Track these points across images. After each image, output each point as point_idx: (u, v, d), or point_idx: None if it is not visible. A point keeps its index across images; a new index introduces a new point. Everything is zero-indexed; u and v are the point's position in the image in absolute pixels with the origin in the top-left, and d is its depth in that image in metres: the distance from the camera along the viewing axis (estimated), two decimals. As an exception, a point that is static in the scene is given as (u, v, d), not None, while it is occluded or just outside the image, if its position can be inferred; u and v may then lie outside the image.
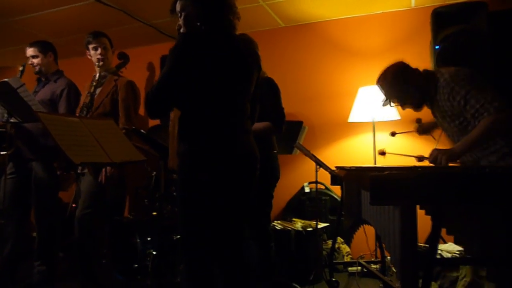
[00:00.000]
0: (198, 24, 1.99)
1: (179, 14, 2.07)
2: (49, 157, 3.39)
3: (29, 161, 3.42)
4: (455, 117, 2.35)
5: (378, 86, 2.62)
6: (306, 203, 4.21)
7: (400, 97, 2.53)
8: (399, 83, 2.48)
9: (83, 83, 3.49)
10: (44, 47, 3.58)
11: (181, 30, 2.08)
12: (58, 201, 3.84)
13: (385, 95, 2.60)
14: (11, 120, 3.14)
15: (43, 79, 3.61)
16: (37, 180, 3.40)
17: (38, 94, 3.49)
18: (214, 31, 1.97)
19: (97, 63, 3.31)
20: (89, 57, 3.38)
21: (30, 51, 3.54)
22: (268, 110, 2.68)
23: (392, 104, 2.60)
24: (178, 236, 3.37)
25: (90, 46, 3.33)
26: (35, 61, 3.54)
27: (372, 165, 3.70)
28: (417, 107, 2.56)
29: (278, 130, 2.77)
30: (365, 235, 3.46)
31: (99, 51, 3.30)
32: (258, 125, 2.57)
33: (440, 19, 3.27)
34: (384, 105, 2.62)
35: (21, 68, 3.46)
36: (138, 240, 3.50)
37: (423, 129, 2.89)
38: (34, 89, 3.58)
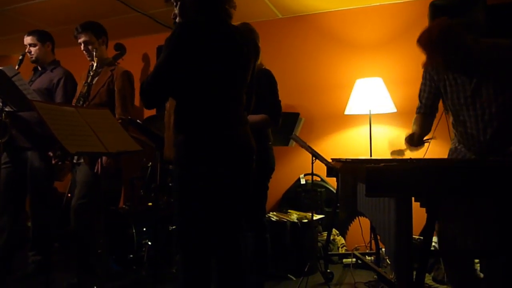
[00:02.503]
0: (194, 13, 1.98)
1: (174, 4, 2.06)
2: (45, 146, 3.38)
3: (25, 150, 3.41)
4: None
5: (420, 44, 2.30)
6: (301, 195, 4.22)
7: (445, 57, 2.23)
8: (447, 41, 2.20)
9: (80, 72, 3.48)
10: (43, 36, 3.56)
11: (177, 20, 2.06)
12: (53, 191, 3.83)
13: (428, 54, 2.29)
14: (6, 109, 3.12)
15: (40, 69, 3.59)
16: (33, 170, 3.39)
17: (34, 83, 3.47)
18: (210, 20, 1.95)
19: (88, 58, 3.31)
20: None
21: (28, 40, 3.52)
22: (264, 103, 2.66)
23: (432, 71, 2.37)
24: (174, 227, 3.37)
25: (78, 40, 3.32)
26: (33, 49, 3.52)
27: (368, 157, 3.71)
28: (457, 69, 2.31)
29: (275, 124, 2.76)
30: (360, 227, 3.47)
31: (82, 47, 3.29)
32: (254, 117, 2.56)
33: (437, 12, 3.26)
34: (424, 66, 2.35)
35: (20, 57, 3.47)
36: (133, 231, 3.51)
37: (415, 142, 2.58)
38: (30, 78, 3.56)
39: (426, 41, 2.23)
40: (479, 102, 2.26)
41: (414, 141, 2.52)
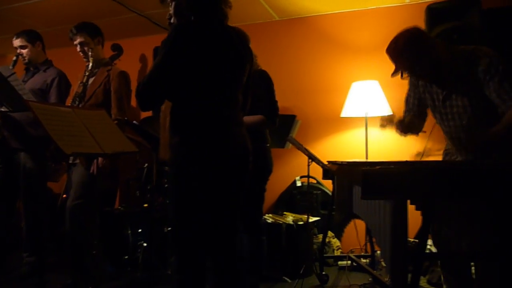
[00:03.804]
0: (189, 13, 1.98)
1: (170, 4, 2.06)
2: (37, 147, 3.36)
3: (17, 151, 3.40)
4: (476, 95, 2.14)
5: (387, 53, 2.28)
6: (297, 197, 4.22)
7: (411, 66, 2.21)
8: (412, 51, 2.16)
9: (76, 73, 3.46)
10: (32, 37, 3.52)
11: (172, 20, 2.06)
12: (47, 192, 3.81)
13: (395, 63, 2.27)
14: (2, 109, 3.11)
15: (32, 69, 3.57)
16: (25, 171, 3.38)
17: (27, 84, 3.43)
18: (206, 21, 1.95)
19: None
20: None
21: (17, 42, 3.48)
22: (261, 103, 2.66)
23: (403, 75, 2.28)
24: (169, 228, 3.37)
25: (74, 42, 3.30)
26: (24, 51, 3.48)
27: (364, 160, 3.72)
28: (426, 80, 2.30)
29: (272, 124, 2.76)
30: (356, 229, 3.47)
31: (78, 48, 3.26)
32: (251, 118, 2.56)
33: (433, 16, 3.28)
34: (393, 75, 2.28)
35: (14, 58, 3.42)
36: (129, 232, 3.50)
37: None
38: (23, 78, 3.51)
39: (392, 48, 2.23)
40: (450, 113, 2.26)
41: (404, 126, 2.47)
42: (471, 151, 2.22)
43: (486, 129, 2.12)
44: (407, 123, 2.49)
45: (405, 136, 2.53)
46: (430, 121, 2.55)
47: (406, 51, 2.17)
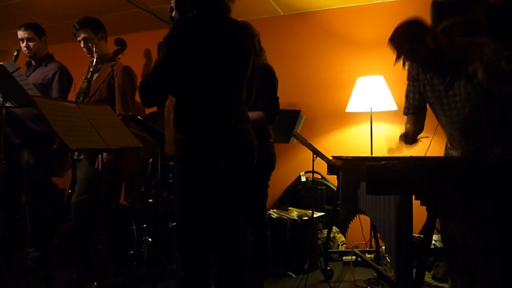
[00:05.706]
0: (190, 7, 1.96)
1: None
2: (40, 144, 3.37)
3: (19, 147, 3.41)
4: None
5: (389, 42, 2.28)
6: (302, 192, 4.22)
7: (411, 50, 2.22)
8: (411, 33, 2.19)
9: (80, 68, 3.46)
10: (40, 30, 3.52)
11: (173, 13, 2.05)
12: (51, 187, 3.82)
13: (395, 48, 2.27)
14: (6, 105, 3.11)
15: (34, 63, 3.56)
16: (29, 167, 3.39)
17: (29, 79, 3.43)
18: (208, 15, 1.93)
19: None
20: None
21: (25, 34, 3.45)
22: (261, 99, 2.61)
23: (405, 64, 2.32)
24: (174, 223, 3.38)
25: (77, 38, 3.29)
26: (31, 44, 3.47)
27: (368, 155, 3.71)
28: (428, 68, 2.31)
29: (271, 122, 2.69)
30: (360, 224, 3.47)
31: (82, 44, 3.25)
32: (250, 115, 2.53)
33: (439, 10, 3.26)
34: (395, 63, 2.28)
35: (15, 53, 3.41)
36: (134, 227, 3.51)
37: (409, 140, 2.54)
38: (24, 73, 3.51)
39: (392, 34, 2.24)
40: (453, 102, 2.24)
41: (408, 138, 2.49)
42: None
43: (489, 116, 2.14)
44: (411, 135, 2.50)
45: (411, 146, 2.51)
46: (433, 121, 2.53)
47: (405, 33, 2.19)
